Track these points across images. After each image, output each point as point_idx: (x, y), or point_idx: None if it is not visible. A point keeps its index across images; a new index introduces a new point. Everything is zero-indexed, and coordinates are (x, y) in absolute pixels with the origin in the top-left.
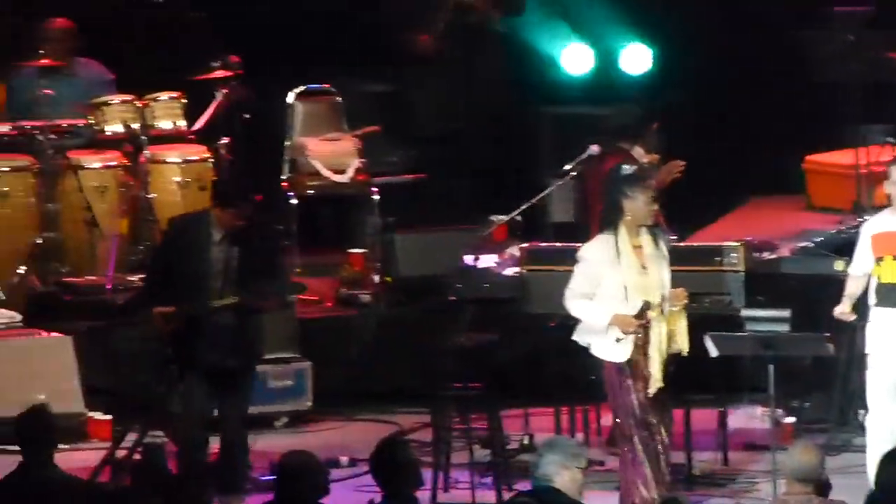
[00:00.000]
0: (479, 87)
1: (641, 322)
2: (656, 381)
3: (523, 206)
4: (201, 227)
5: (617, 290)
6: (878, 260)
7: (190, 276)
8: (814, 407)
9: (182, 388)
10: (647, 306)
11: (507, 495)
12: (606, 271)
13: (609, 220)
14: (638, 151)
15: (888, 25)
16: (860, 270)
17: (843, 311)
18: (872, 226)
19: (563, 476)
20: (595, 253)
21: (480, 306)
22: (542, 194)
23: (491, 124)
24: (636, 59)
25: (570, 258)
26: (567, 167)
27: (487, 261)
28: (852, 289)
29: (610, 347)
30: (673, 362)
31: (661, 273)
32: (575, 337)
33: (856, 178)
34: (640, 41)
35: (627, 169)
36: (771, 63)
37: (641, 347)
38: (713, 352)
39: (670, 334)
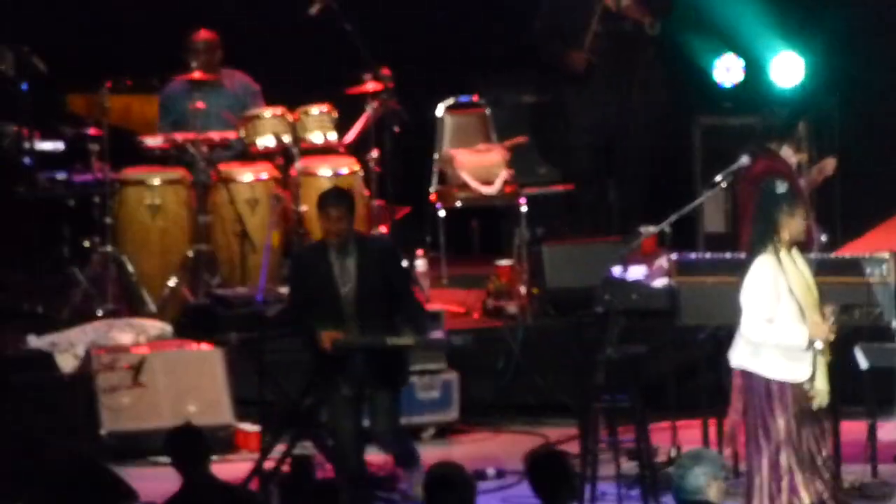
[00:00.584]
0: (632, 97)
1: (834, 327)
2: (824, 395)
3: (673, 217)
4: (317, 255)
5: (794, 310)
6: None
7: (323, 305)
8: None
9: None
10: (837, 311)
11: None
12: (781, 292)
13: (766, 239)
14: (786, 152)
15: None
16: None
17: None
18: None
19: (712, 488)
20: (768, 277)
21: (630, 318)
22: (692, 205)
23: (643, 134)
24: (787, 68)
25: (721, 269)
26: (718, 177)
27: (637, 272)
28: None
29: (789, 367)
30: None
31: (817, 290)
32: (735, 363)
33: None
34: (792, 49)
35: (782, 186)
36: None
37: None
38: (863, 364)
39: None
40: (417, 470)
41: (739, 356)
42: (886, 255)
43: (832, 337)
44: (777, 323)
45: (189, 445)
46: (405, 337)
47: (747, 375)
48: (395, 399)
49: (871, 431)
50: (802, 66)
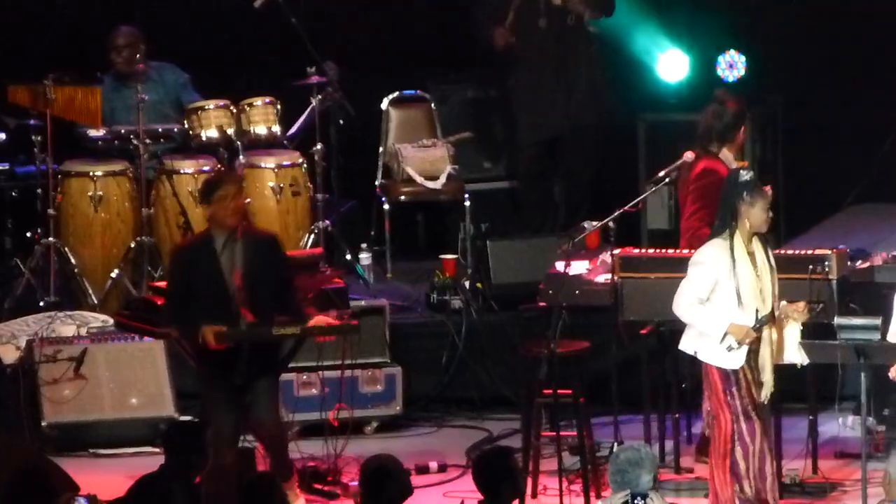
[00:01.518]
0: (576, 93)
1: (758, 335)
2: (769, 388)
3: (617, 213)
4: (202, 247)
5: (732, 297)
6: None
7: (208, 297)
8: None
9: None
10: (766, 320)
11: (595, 502)
12: (722, 277)
13: (724, 225)
14: (726, 155)
15: None
16: None
17: None
18: None
19: (651, 483)
20: (711, 257)
21: (572, 313)
22: (636, 201)
23: (587, 130)
24: (732, 65)
25: (664, 265)
26: (661, 174)
27: (579, 268)
28: None
29: (721, 354)
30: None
31: (773, 281)
32: (682, 346)
33: None
34: (736, 48)
35: (746, 174)
36: (871, 68)
37: (752, 354)
38: (804, 360)
39: (780, 343)
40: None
41: (685, 340)
42: (829, 252)
43: (749, 338)
44: (707, 306)
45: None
46: (290, 327)
47: (699, 361)
48: (275, 387)
49: (812, 427)
50: (745, 64)
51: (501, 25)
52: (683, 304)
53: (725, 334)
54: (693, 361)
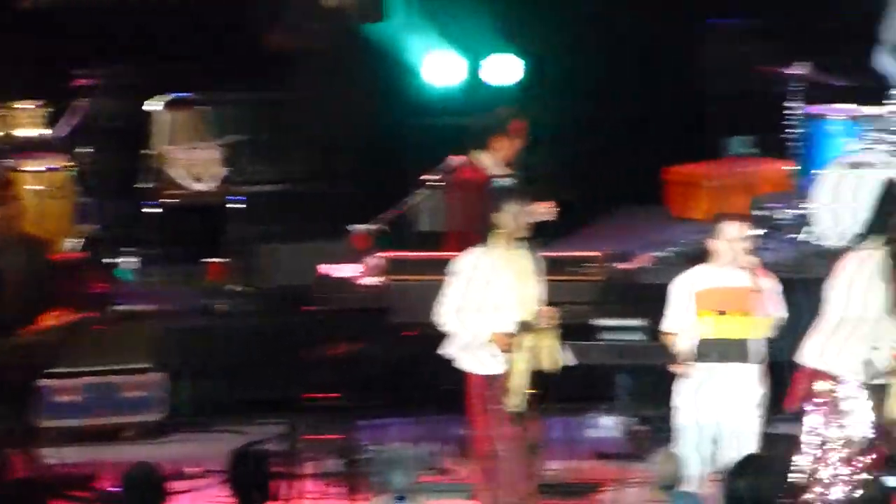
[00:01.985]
0: (347, 97)
1: (518, 342)
2: (521, 394)
3: (385, 216)
4: None
5: (490, 304)
6: (699, 315)
7: None
8: (666, 416)
9: None
10: (526, 327)
11: None
12: (480, 284)
13: (483, 234)
14: (486, 160)
15: (759, 39)
16: (678, 327)
17: (685, 370)
18: (690, 282)
19: (412, 485)
20: (469, 266)
21: (341, 316)
22: (403, 203)
23: (357, 133)
24: (503, 69)
25: (432, 268)
26: (429, 177)
27: (348, 270)
28: (682, 345)
29: (480, 360)
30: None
31: (534, 286)
32: (442, 350)
33: (715, 189)
34: (509, 51)
35: (501, 181)
36: (639, 74)
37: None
38: (569, 361)
39: (538, 350)
40: None
41: (447, 346)
42: (594, 254)
43: (512, 345)
44: (469, 314)
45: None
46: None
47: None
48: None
49: (573, 428)
50: (521, 68)
51: (280, 28)
52: (445, 314)
53: (488, 341)
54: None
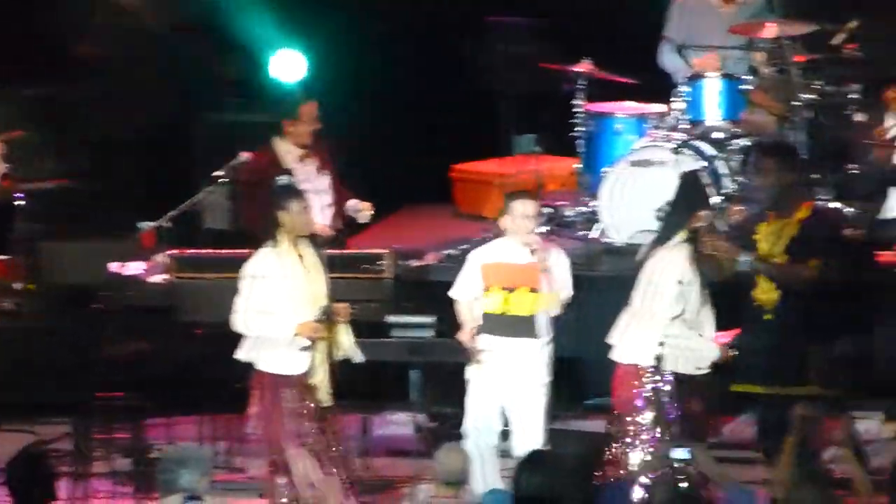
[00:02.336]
0: (135, 93)
1: (324, 327)
2: (325, 391)
3: (174, 213)
4: None
5: (284, 303)
6: (487, 289)
7: None
8: (458, 412)
9: None
10: (327, 310)
11: None
12: (273, 284)
13: (269, 233)
14: (282, 146)
15: (542, 37)
16: (467, 296)
17: (468, 338)
18: (482, 255)
19: (203, 484)
20: (259, 268)
21: (129, 315)
22: (192, 200)
23: (144, 129)
24: (289, 65)
25: (222, 266)
26: (218, 173)
27: (135, 268)
28: (467, 315)
29: (283, 360)
30: (340, 371)
31: (324, 283)
32: (239, 354)
33: (501, 187)
34: (294, 47)
35: (283, 180)
36: (425, 70)
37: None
38: (359, 357)
39: (333, 344)
40: None
41: (242, 349)
42: (384, 251)
43: (318, 332)
44: (269, 315)
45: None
46: None
47: (254, 367)
48: None
49: (366, 425)
50: (305, 64)
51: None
52: (241, 319)
53: (295, 335)
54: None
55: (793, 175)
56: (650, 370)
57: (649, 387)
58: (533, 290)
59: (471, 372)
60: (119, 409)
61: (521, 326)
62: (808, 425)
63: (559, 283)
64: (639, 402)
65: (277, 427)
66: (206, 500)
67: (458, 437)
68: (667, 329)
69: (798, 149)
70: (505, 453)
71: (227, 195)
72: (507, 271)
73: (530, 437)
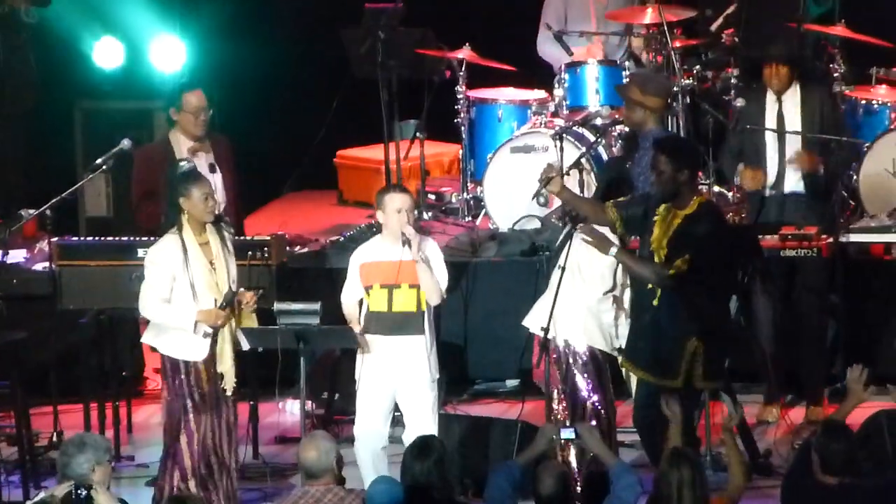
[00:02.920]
0: (9, 82)
1: (227, 313)
2: (230, 379)
3: (54, 201)
4: None
5: (187, 290)
6: (368, 289)
7: None
8: (343, 399)
9: None
10: (231, 297)
11: (34, 493)
12: (176, 272)
13: (172, 220)
14: (174, 137)
15: (418, 23)
16: (352, 299)
17: (360, 337)
18: (361, 255)
19: (97, 473)
20: (162, 255)
21: (10, 303)
22: (72, 188)
23: (21, 118)
24: (168, 52)
25: (103, 253)
26: (99, 161)
27: (17, 256)
28: (353, 314)
29: (184, 346)
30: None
31: (229, 269)
32: (145, 339)
33: (385, 173)
34: (173, 34)
35: (184, 165)
36: (306, 58)
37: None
38: (245, 345)
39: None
40: None
41: (147, 333)
42: (269, 238)
43: (220, 318)
44: (172, 302)
45: None
46: None
47: (140, 349)
48: None
49: (254, 412)
50: (184, 51)
51: None
52: (148, 307)
53: (196, 323)
54: (133, 348)
55: (688, 172)
56: (566, 346)
57: (564, 365)
58: (413, 286)
59: (360, 371)
60: (2, 397)
61: (405, 323)
62: (682, 415)
63: (436, 273)
64: (560, 381)
65: (176, 413)
66: (97, 490)
67: (345, 423)
68: (599, 305)
69: (691, 142)
70: (395, 440)
71: (108, 182)
72: (386, 269)
73: (421, 430)
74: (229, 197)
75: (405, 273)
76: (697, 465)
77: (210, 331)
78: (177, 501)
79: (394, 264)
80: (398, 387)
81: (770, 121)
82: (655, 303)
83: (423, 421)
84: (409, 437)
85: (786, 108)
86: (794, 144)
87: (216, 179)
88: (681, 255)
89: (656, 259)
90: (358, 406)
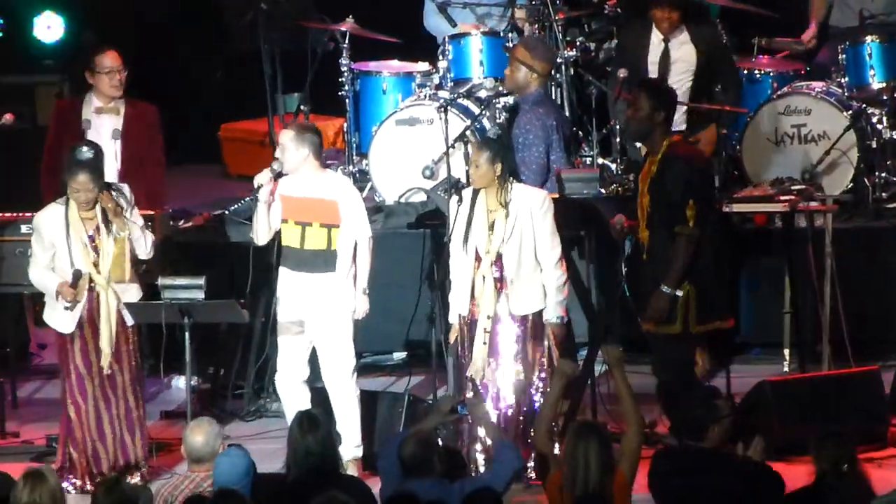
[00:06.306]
0: None
1: (75, 290)
2: (107, 356)
3: None
4: None
5: (66, 262)
6: (283, 222)
7: None
8: (230, 374)
9: None
10: (78, 275)
11: None
12: (56, 241)
13: (63, 192)
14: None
15: None
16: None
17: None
18: (282, 187)
19: None
20: (43, 223)
21: None
22: None
23: None
24: (48, 26)
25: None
26: None
27: None
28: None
29: (57, 317)
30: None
31: (108, 245)
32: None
33: (270, 146)
34: (52, 8)
35: (82, 152)
36: (188, 30)
37: (89, 320)
38: (129, 320)
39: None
40: None
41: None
42: (150, 212)
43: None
44: (52, 272)
45: None
46: None
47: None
48: None
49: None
50: (62, 25)
51: None
52: (30, 270)
53: (58, 294)
54: (17, 324)
55: (664, 114)
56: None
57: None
58: (325, 225)
59: (275, 315)
60: None
61: (317, 261)
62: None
63: (352, 217)
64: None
65: (63, 384)
66: None
67: (232, 397)
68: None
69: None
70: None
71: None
72: (300, 205)
73: (338, 365)
74: (150, 166)
75: (320, 211)
76: (604, 437)
77: (68, 304)
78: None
79: (309, 201)
80: (313, 321)
81: (653, 59)
82: (646, 257)
83: (339, 352)
84: (327, 376)
85: (672, 47)
86: (679, 89)
87: (116, 146)
88: (665, 199)
89: (641, 212)
90: (278, 344)
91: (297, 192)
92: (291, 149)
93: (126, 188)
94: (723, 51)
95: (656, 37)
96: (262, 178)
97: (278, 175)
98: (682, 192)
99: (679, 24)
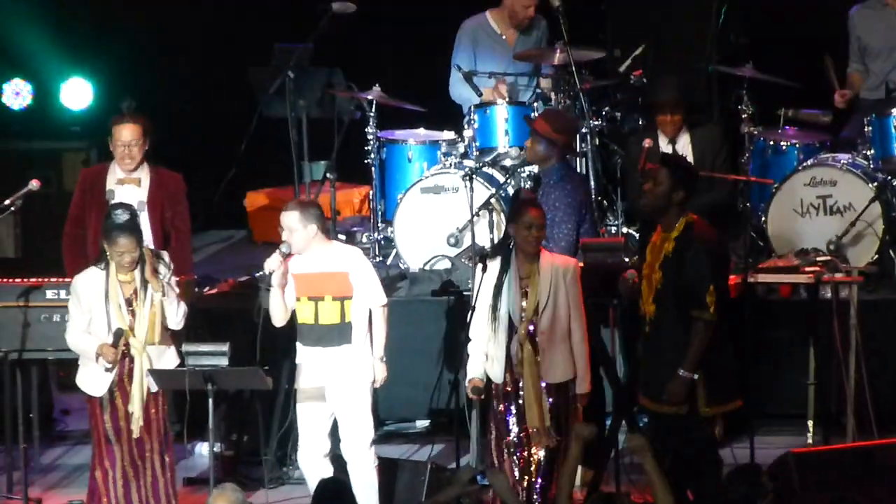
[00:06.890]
0: None
1: (116, 350)
2: (137, 419)
3: None
4: None
5: (103, 324)
6: (297, 300)
7: None
8: (253, 441)
9: None
10: (120, 333)
11: None
12: (93, 305)
13: (103, 255)
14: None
15: (328, 63)
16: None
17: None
18: (292, 266)
19: None
20: (84, 285)
21: None
22: None
23: None
24: (77, 93)
25: (11, 294)
26: (7, 202)
27: None
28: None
29: (90, 381)
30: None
31: (145, 309)
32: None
33: None
34: (80, 75)
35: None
36: (216, 97)
37: (119, 384)
38: (153, 387)
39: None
40: None
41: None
42: (176, 279)
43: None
44: (89, 335)
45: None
46: None
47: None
48: None
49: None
50: (91, 92)
51: None
52: (67, 333)
53: (98, 357)
54: (41, 391)
55: (683, 194)
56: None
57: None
58: (337, 298)
59: (297, 390)
60: None
61: (332, 335)
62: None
63: (363, 286)
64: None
65: (92, 449)
66: None
67: (254, 464)
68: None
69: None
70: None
71: (16, 223)
72: (311, 280)
73: (358, 438)
74: (175, 234)
75: (331, 285)
76: None
77: (109, 365)
78: None
79: (319, 276)
80: (333, 396)
81: None
82: (647, 329)
83: (359, 425)
84: (345, 446)
85: (678, 149)
86: None
87: (143, 217)
88: (683, 282)
89: (648, 286)
90: (298, 418)
91: (306, 268)
92: (300, 229)
93: (166, 255)
94: (714, 155)
95: (662, 140)
96: (273, 263)
97: (286, 255)
98: (703, 280)
99: (682, 126)
